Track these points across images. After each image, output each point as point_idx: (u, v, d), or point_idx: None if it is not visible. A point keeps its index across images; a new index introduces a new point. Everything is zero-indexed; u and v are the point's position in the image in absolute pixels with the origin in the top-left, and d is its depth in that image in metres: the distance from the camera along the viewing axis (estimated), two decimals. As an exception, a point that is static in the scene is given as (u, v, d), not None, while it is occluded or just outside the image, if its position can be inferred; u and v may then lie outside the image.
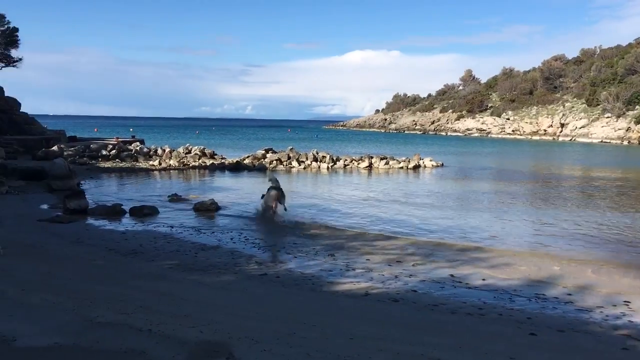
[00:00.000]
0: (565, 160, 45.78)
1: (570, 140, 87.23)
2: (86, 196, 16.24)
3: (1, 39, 40.96)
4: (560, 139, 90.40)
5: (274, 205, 15.09)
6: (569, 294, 8.79)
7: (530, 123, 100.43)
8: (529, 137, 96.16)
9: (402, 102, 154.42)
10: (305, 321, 6.76)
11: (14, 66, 43.09)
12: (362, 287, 8.88)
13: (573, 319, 7.58)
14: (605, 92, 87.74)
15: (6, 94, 39.87)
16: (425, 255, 11.52)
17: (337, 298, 8.24)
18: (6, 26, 41.36)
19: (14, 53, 42.87)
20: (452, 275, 9.77)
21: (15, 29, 41.98)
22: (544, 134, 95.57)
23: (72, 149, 32.67)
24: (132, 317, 6.07)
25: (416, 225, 14.99)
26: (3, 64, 42.60)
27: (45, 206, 16.27)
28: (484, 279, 9.60)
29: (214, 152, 35.77)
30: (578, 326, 7.25)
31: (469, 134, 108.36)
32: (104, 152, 32.19)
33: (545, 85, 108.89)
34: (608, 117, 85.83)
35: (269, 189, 15.52)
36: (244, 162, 32.34)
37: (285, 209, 15.34)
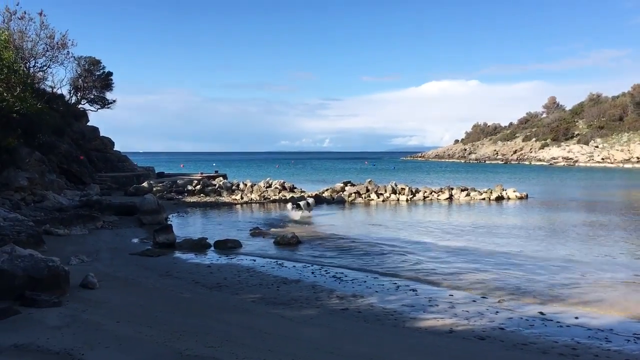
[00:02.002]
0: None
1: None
2: (173, 230, 16.93)
3: (97, 83, 43.99)
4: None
5: None
6: (674, 335, 8.16)
7: (622, 150, 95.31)
8: (621, 165, 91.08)
9: (482, 132, 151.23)
10: (387, 358, 6.67)
11: (108, 108, 46.11)
12: (446, 323, 8.66)
13: (679, 363, 7.02)
14: None
15: (101, 134, 42.59)
16: (511, 290, 11.10)
17: (421, 335, 8.07)
18: (102, 71, 44.45)
19: (108, 95, 45.95)
20: (541, 313, 9.34)
21: (110, 73, 45.03)
22: (637, 161, 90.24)
23: (161, 184, 34.29)
24: (218, 350, 6.23)
25: (500, 259, 14.49)
26: (99, 106, 45.68)
27: (136, 240, 17.10)
28: (576, 317, 9.10)
29: (293, 185, 36.40)
30: (685, 371, 6.71)
31: (554, 163, 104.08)
32: (189, 187, 33.53)
33: (636, 110, 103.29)
34: None
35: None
36: (323, 195, 32.63)
37: None
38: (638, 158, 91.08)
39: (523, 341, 7.80)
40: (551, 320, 8.95)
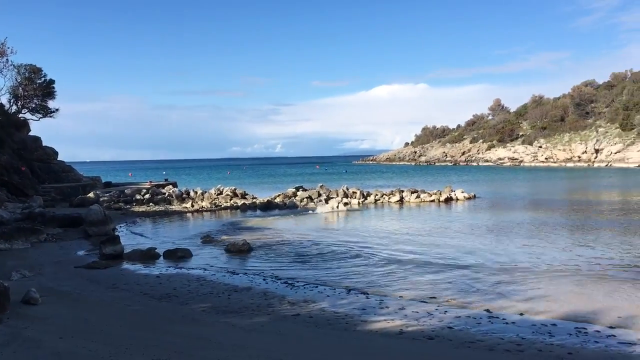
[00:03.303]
0: (602, 187, 44.73)
1: (606, 165, 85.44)
2: (121, 241, 16.53)
3: (38, 91, 42.61)
4: (596, 164, 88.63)
5: None
6: (611, 327, 8.51)
7: (564, 150, 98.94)
8: (563, 164, 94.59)
9: (431, 134, 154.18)
10: (339, 362, 6.70)
11: (51, 116, 44.71)
12: (396, 324, 8.76)
13: (616, 353, 7.32)
14: (639, 116, 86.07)
15: (44, 144, 41.24)
16: (460, 289, 11.34)
17: (371, 337, 8.14)
18: (43, 79, 43.09)
19: (50, 104, 44.55)
20: (488, 310, 9.57)
21: (52, 81, 43.72)
22: (579, 160, 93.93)
23: (108, 194, 33.47)
24: (166, 363, 6.11)
25: (449, 259, 14.78)
26: (41, 115, 44.24)
27: (82, 252, 16.61)
28: (521, 313, 9.38)
29: (245, 192, 36.15)
30: (622, 360, 7.00)
31: (500, 163, 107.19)
32: (138, 197, 32.85)
33: (576, 111, 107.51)
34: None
35: None
36: (275, 200, 32.56)
37: None
38: (579, 157, 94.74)
39: (471, 339, 7.97)
40: (497, 317, 9.19)
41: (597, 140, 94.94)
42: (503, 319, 9.11)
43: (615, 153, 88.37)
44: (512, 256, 15.10)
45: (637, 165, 79.36)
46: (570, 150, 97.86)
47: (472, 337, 8.11)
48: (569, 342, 7.86)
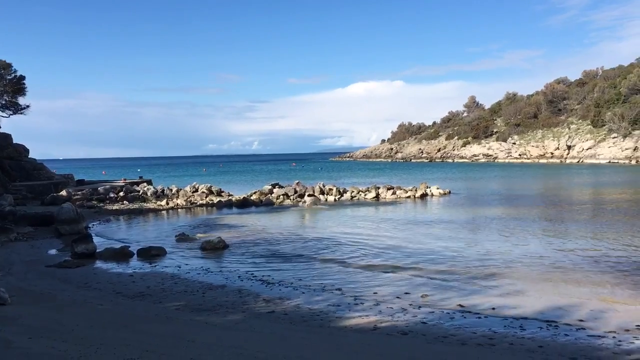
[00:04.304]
0: (574, 182, 45.49)
1: (578, 162, 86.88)
2: (94, 239, 16.31)
3: (8, 88, 41.71)
4: (568, 161, 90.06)
5: None
6: (581, 320, 8.67)
7: (537, 146, 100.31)
8: (536, 160, 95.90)
9: (407, 131, 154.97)
10: (313, 359, 6.70)
11: (21, 113, 43.79)
12: (370, 320, 8.80)
13: (586, 346, 7.46)
14: (610, 113, 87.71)
15: (14, 141, 40.40)
16: (434, 285, 11.44)
17: (346, 334, 8.16)
18: (13, 75, 42.18)
19: (21, 101, 43.62)
20: (461, 305, 9.67)
21: (22, 77, 42.79)
22: (551, 156, 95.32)
23: (80, 192, 32.92)
24: (137, 362, 6.04)
25: (424, 255, 14.89)
26: (11, 112, 43.31)
27: (53, 251, 16.34)
28: (493, 308, 9.50)
29: (220, 189, 35.91)
30: (590, 352, 7.13)
31: (475, 159, 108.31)
32: (111, 195, 32.41)
33: (549, 108, 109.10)
34: (614, 138, 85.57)
35: None
36: (251, 198, 32.43)
37: None
38: (552, 153, 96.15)
39: (444, 334, 8.06)
40: (470, 312, 9.30)
41: (569, 137, 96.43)
42: (476, 313, 9.22)
43: (587, 149, 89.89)
44: (485, 252, 15.27)
45: (607, 161, 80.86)
46: (543, 146, 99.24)
47: (445, 331, 8.19)
48: (540, 335, 7.99)
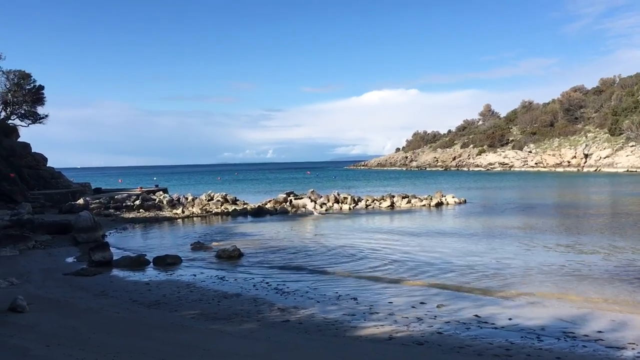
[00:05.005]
0: (591, 191, 45.01)
1: (595, 170, 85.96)
2: (111, 248, 16.45)
3: (27, 97, 42.38)
4: (585, 169, 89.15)
5: None
6: (600, 332, 8.54)
7: (553, 155, 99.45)
8: (553, 169, 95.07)
9: (422, 140, 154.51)
10: (328, 369, 6.68)
11: (40, 123, 44.48)
12: (385, 330, 8.76)
13: (604, 357, 7.36)
14: (627, 121, 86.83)
15: (33, 150, 40.98)
16: (449, 295, 11.36)
17: (361, 343, 8.13)
18: (32, 85, 42.88)
19: (40, 110, 44.32)
20: (477, 316, 9.59)
21: (41, 87, 43.52)
22: (568, 165, 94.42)
23: (97, 201, 33.26)
24: (153, 370, 6.07)
25: (439, 264, 14.81)
26: (30, 121, 44.00)
27: (70, 259, 16.50)
28: (510, 319, 9.40)
29: (235, 198, 36.07)
30: (610, 365, 7.03)
31: (491, 168, 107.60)
32: (128, 203, 32.68)
33: (565, 116, 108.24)
34: (632, 146, 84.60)
35: None
36: (266, 206, 32.51)
37: None
38: (568, 162, 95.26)
39: (460, 344, 7.99)
40: (486, 322, 9.21)
41: (586, 145, 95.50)
42: (492, 323, 9.13)
43: (604, 158, 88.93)
44: (502, 261, 15.15)
45: (625, 170, 79.90)
46: (559, 155, 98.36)
47: (461, 342, 8.12)
48: (557, 346, 7.90)
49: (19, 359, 6.31)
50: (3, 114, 41.80)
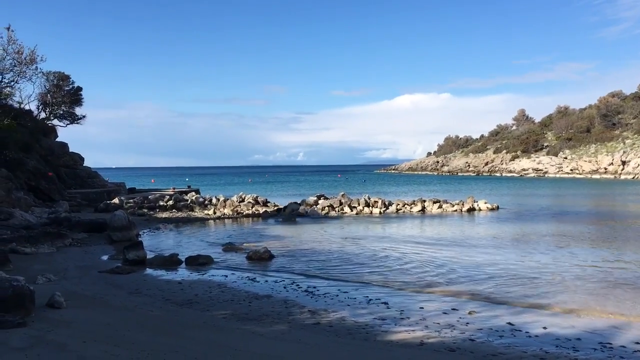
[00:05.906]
0: (629, 200, 43.88)
1: (633, 178, 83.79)
2: (144, 247, 16.70)
3: (66, 98, 43.42)
4: (622, 177, 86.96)
5: None
6: (637, 343, 8.32)
7: (590, 161, 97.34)
8: (589, 175, 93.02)
9: (454, 144, 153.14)
10: (359, 372, 6.66)
11: (78, 123, 45.52)
12: (417, 336, 8.69)
13: (643, 370, 7.16)
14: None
15: (71, 150, 41.95)
16: (482, 302, 11.21)
17: (392, 348, 8.08)
18: (71, 86, 43.91)
19: (77, 111, 45.37)
20: (510, 323, 9.44)
21: (79, 88, 44.54)
22: (605, 172, 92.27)
23: (132, 200, 33.85)
24: (186, 369, 6.14)
25: (472, 270, 14.63)
26: (68, 121, 45.08)
27: (105, 257, 16.83)
28: (545, 327, 9.23)
29: (266, 199, 36.29)
30: (649, 378, 6.84)
31: (524, 174, 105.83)
32: (161, 203, 33.16)
33: (603, 122, 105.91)
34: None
35: None
36: (298, 209, 32.56)
37: None
38: (605, 169, 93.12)
39: (493, 352, 7.87)
40: (520, 330, 9.06)
41: (624, 152, 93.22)
42: (526, 331, 8.98)
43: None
44: (536, 268, 14.89)
45: (665, 177, 77.77)
46: (596, 161, 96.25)
47: (494, 349, 8.00)
48: (594, 357, 7.72)
49: (57, 354, 6.45)
50: (42, 114, 42.90)
